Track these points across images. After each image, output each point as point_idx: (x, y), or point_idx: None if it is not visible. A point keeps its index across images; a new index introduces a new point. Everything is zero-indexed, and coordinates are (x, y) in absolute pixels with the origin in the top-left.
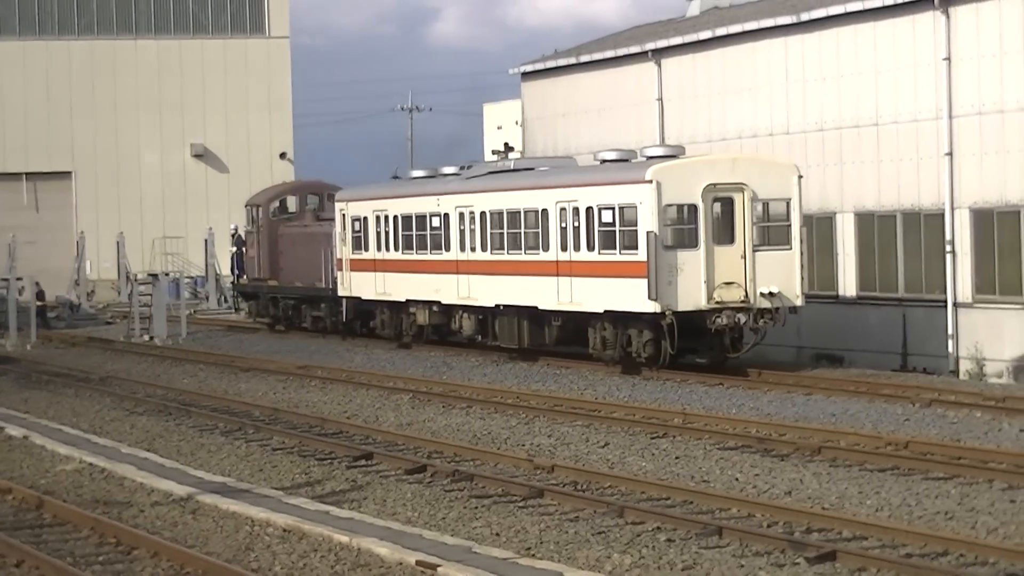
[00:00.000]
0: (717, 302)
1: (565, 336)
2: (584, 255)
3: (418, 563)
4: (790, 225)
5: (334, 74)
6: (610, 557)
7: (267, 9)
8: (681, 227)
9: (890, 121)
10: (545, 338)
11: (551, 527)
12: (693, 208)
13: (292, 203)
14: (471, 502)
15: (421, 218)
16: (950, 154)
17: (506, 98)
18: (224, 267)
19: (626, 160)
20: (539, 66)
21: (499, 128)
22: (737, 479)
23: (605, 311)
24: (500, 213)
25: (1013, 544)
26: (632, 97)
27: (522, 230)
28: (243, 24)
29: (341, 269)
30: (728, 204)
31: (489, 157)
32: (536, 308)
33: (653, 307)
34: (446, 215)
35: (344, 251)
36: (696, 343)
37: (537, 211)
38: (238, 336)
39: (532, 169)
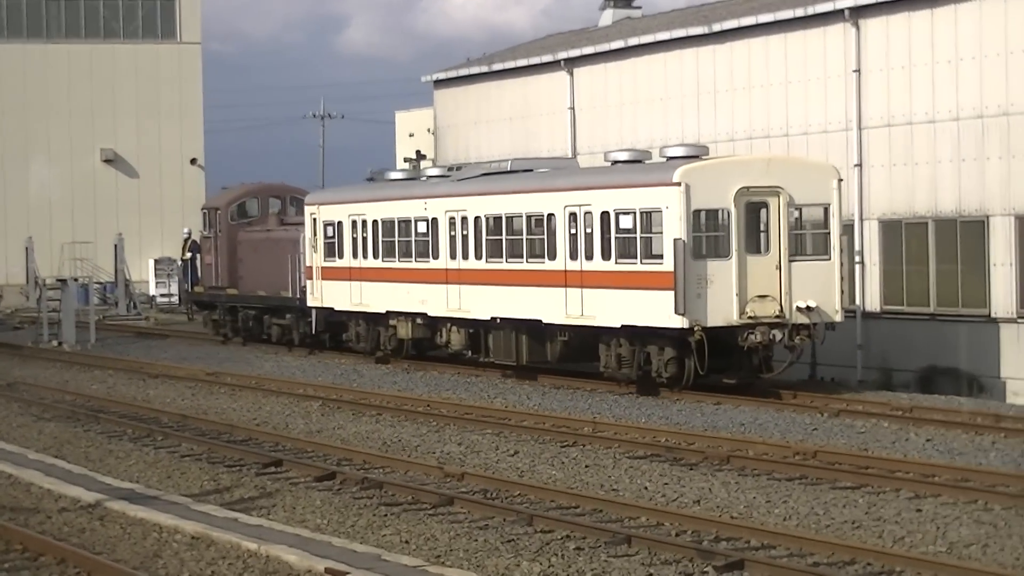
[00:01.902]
0: (750, 317)
1: (571, 353)
2: (598, 264)
3: (327, 570)
4: (829, 233)
5: (245, 81)
6: (519, 565)
7: (178, 15)
8: (711, 235)
9: (800, 132)
10: (547, 354)
11: (461, 535)
12: (725, 213)
13: (252, 206)
14: (380, 509)
15: (405, 223)
16: (859, 165)
17: (418, 106)
18: (134, 273)
19: (639, 161)
20: (451, 74)
21: (411, 136)
22: (646, 488)
23: (622, 326)
24: (498, 218)
25: (919, 553)
26: (544, 106)
27: (524, 236)
28: (154, 29)
29: (311, 278)
30: (762, 209)
31: (401, 165)
32: (539, 322)
33: (680, 322)
34: (434, 220)
35: (315, 258)
36: (724, 362)
37: (542, 216)
38: (147, 342)
39: (531, 171)
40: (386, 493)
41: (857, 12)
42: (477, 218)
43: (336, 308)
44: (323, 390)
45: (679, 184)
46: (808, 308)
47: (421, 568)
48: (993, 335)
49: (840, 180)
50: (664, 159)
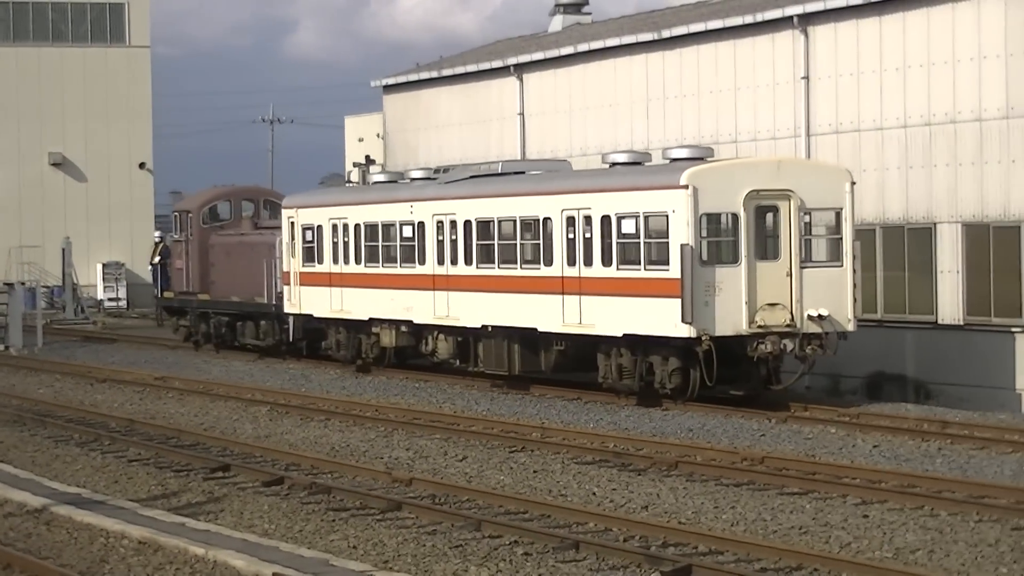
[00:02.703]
0: (759, 326)
1: (567, 363)
2: (598, 271)
3: (275, 575)
4: (841, 239)
5: (194, 85)
6: (467, 571)
7: (127, 18)
8: (719, 240)
9: (749, 139)
10: (541, 364)
11: (408, 540)
12: (734, 218)
13: (224, 209)
14: (328, 515)
15: (389, 227)
16: None
17: (368, 111)
18: (82, 277)
19: (639, 163)
20: (401, 79)
21: (360, 140)
22: (594, 493)
23: (624, 335)
24: (489, 222)
25: (865, 559)
26: (494, 111)
27: (518, 241)
28: (103, 33)
29: (288, 283)
30: (772, 214)
31: (350, 170)
32: (534, 331)
33: (687, 331)
34: (421, 224)
35: (293, 263)
36: (731, 372)
37: (538, 220)
38: (95, 346)
39: (522, 173)
40: (334, 498)
41: (806, 19)
42: (467, 222)
43: (315, 315)
44: (271, 395)
45: (687, 187)
46: (820, 317)
47: (368, 573)
48: (940, 341)
49: (853, 183)
50: (667, 161)
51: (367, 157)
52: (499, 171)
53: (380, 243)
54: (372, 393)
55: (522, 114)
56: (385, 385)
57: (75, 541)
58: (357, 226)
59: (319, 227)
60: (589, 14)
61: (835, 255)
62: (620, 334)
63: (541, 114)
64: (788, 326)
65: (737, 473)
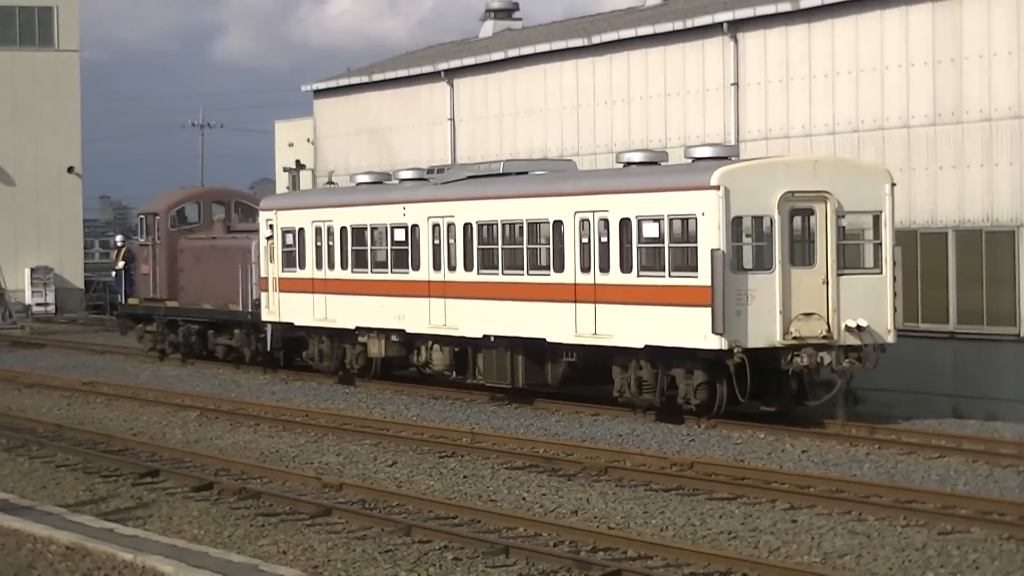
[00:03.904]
0: (794, 337)
1: (576, 375)
2: (616, 277)
3: None
4: (881, 244)
5: (122, 89)
6: (397, 575)
7: (56, 22)
8: (753, 244)
9: (679, 145)
10: (547, 377)
11: (339, 545)
12: (768, 221)
13: (193, 212)
14: (258, 520)
15: (379, 230)
16: None
17: (298, 116)
18: (10, 282)
19: (655, 163)
20: (331, 84)
21: (291, 145)
22: (524, 498)
23: (645, 346)
24: (492, 225)
25: (794, 564)
26: (425, 116)
27: (524, 246)
28: (32, 37)
29: (267, 290)
30: (807, 217)
31: (280, 175)
32: (541, 341)
33: (717, 343)
34: (414, 227)
35: (271, 268)
36: (759, 387)
37: (547, 223)
38: (22, 352)
39: (525, 173)
40: (264, 503)
41: (735, 26)
42: (467, 225)
43: (296, 323)
44: (201, 400)
45: (717, 188)
46: (859, 328)
47: None
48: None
49: (893, 184)
50: (689, 160)
51: (297, 162)
52: (500, 171)
53: (369, 247)
54: (302, 399)
55: (453, 119)
56: (377, 399)
57: (2, 547)
58: (343, 229)
59: (301, 230)
60: (520, 19)
61: (874, 261)
62: (641, 345)
63: (472, 119)
64: (824, 337)
65: (666, 478)
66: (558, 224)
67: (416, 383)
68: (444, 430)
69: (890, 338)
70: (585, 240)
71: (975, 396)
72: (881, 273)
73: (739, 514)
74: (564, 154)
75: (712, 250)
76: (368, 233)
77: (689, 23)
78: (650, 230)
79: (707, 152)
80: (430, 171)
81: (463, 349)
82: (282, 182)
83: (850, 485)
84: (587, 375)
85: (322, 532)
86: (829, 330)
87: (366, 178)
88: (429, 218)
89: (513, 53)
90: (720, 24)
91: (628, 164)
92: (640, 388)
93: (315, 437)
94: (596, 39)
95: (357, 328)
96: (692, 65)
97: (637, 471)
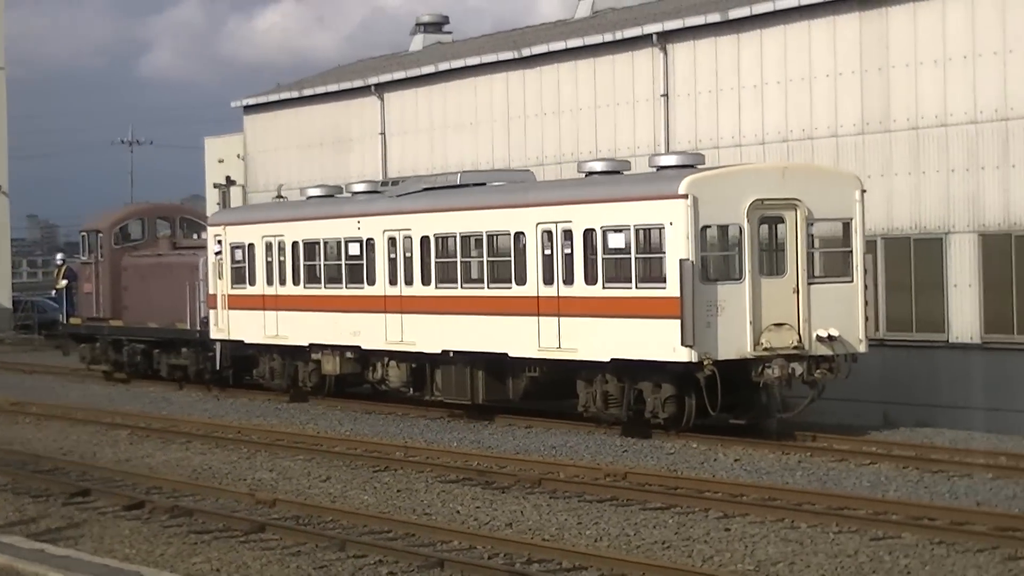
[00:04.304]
0: (765, 348)
1: (538, 390)
2: (580, 290)
3: None
4: (851, 252)
5: (49, 106)
6: None
7: None
8: (721, 254)
9: (609, 156)
10: (509, 392)
11: (272, 562)
12: (737, 230)
13: (136, 229)
14: (191, 537)
15: (333, 245)
16: None
17: (228, 132)
18: None
19: (618, 172)
20: (261, 99)
21: (221, 161)
22: (459, 512)
23: (611, 360)
24: (451, 238)
25: (728, 572)
26: (356, 131)
27: (484, 258)
28: None
29: (215, 307)
30: (776, 225)
31: (210, 192)
32: (503, 356)
33: (687, 355)
34: (370, 241)
35: (220, 285)
36: (729, 399)
37: (508, 235)
38: None
39: (483, 184)
40: (196, 521)
41: (665, 37)
42: (425, 238)
43: (247, 341)
44: (132, 418)
45: (686, 196)
46: (830, 337)
47: None
48: None
49: (863, 191)
50: (655, 169)
51: (228, 178)
52: (457, 182)
53: (322, 262)
54: (234, 415)
55: (383, 133)
56: (310, 414)
57: None
58: (295, 244)
59: (251, 246)
60: (450, 33)
61: (844, 269)
62: (607, 359)
63: (403, 133)
64: (796, 348)
65: (600, 489)
66: (519, 236)
67: (372, 400)
68: (377, 444)
69: (862, 348)
70: (548, 252)
71: (905, 403)
72: (852, 281)
73: (672, 523)
74: (495, 167)
75: (681, 260)
76: (321, 248)
77: (619, 35)
78: (616, 241)
79: (672, 160)
80: (384, 183)
81: (420, 365)
82: (212, 198)
83: (782, 493)
84: (550, 390)
85: (256, 549)
86: (800, 340)
87: (317, 192)
88: (385, 231)
89: (444, 67)
90: (650, 36)
91: (590, 174)
92: (606, 402)
93: (248, 453)
94: (526, 51)
95: (310, 345)
96: (622, 77)
97: (570, 482)
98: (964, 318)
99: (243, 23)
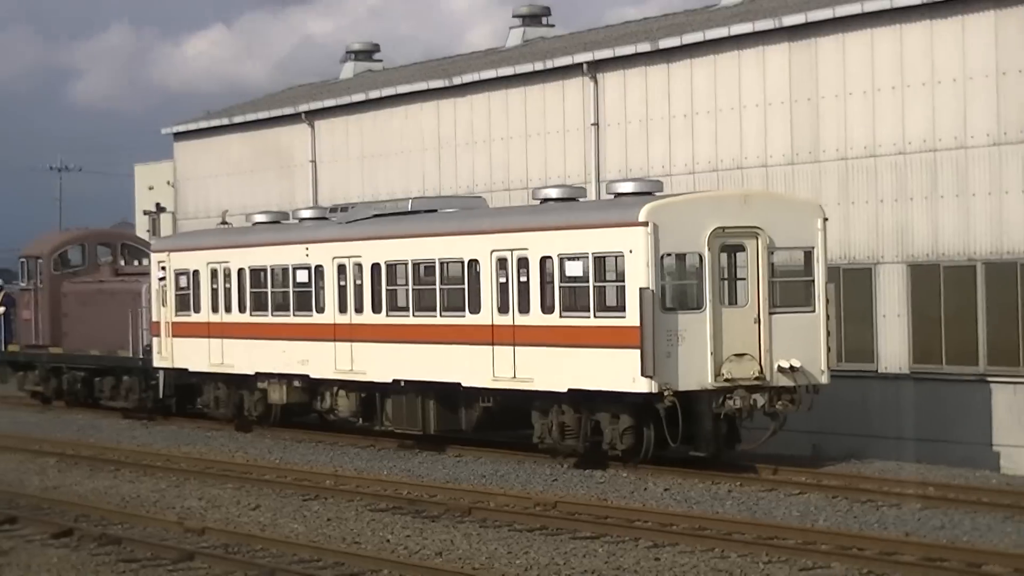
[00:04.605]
0: (726, 379)
1: (491, 420)
2: (536, 318)
3: None
4: (813, 280)
5: None
6: None
7: None
8: (681, 283)
9: (540, 185)
10: (461, 423)
11: None
12: (697, 258)
13: (76, 255)
14: (119, 566)
15: (280, 272)
16: None
17: (158, 159)
18: None
19: (573, 199)
20: (191, 126)
21: (151, 188)
22: (388, 540)
23: (568, 391)
24: (402, 265)
25: None
26: (285, 159)
27: (437, 286)
28: None
29: (159, 334)
30: (736, 253)
31: (140, 219)
32: (456, 386)
33: (647, 386)
34: (318, 268)
35: (164, 313)
36: (687, 431)
37: (462, 262)
38: None
39: (434, 211)
40: (125, 549)
41: (595, 66)
42: (375, 265)
43: (191, 369)
44: (60, 445)
45: (646, 224)
46: (792, 368)
47: None
48: None
49: (825, 219)
50: (612, 196)
51: (157, 205)
52: (408, 208)
53: (269, 289)
54: (163, 443)
55: (314, 161)
56: (239, 442)
57: None
58: (241, 271)
59: (195, 272)
60: (380, 61)
61: (805, 299)
62: (564, 389)
63: (333, 161)
64: (757, 379)
65: (530, 518)
66: (473, 263)
67: (319, 430)
68: (307, 472)
69: (824, 379)
70: (503, 280)
71: (835, 432)
72: (814, 311)
73: (602, 553)
74: (426, 195)
75: (641, 289)
76: (268, 274)
77: (549, 63)
78: (573, 269)
79: (629, 187)
80: (333, 209)
81: (370, 395)
82: (142, 225)
83: (712, 522)
84: (504, 420)
85: None
86: (762, 371)
87: (263, 217)
88: (334, 258)
89: (374, 94)
90: (580, 65)
91: (545, 200)
92: (563, 433)
93: (177, 482)
94: (457, 80)
95: (256, 373)
96: (553, 105)
97: (501, 511)
98: (893, 348)
99: (171, 50)
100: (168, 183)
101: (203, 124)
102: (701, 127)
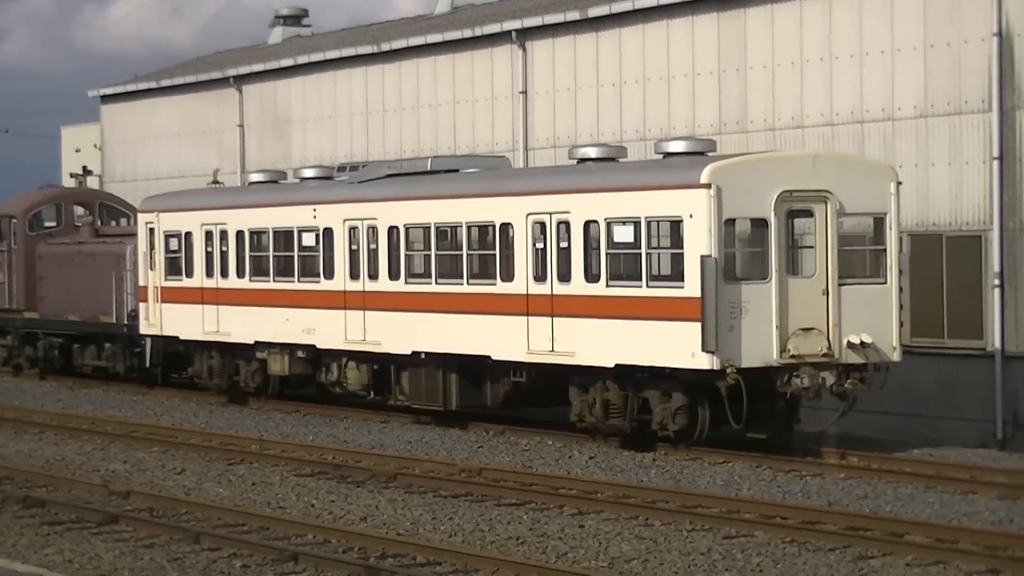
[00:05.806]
0: (792, 356)
1: (521, 397)
2: (578, 287)
3: None
4: (886, 250)
5: None
6: None
7: None
8: (746, 250)
9: (468, 152)
10: (486, 398)
11: (126, 553)
12: (762, 224)
13: (50, 215)
14: (43, 528)
15: (284, 235)
16: None
17: (85, 121)
18: None
19: (613, 159)
20: (119, 89)
21: (78, 151)
22: (313, 505)
23: (616, 366)
24: (425, 228)
25: (582, 568)
26: (213, 123)
27: (464, 252)
28: None
29: (146, 300)
30: (805, 219)
31: (67, 181)
32: (484, 359)
33: (708, 362)
34: (327, 231)
35: (152, 277)
36: (753, 411)
37: (492, 226)
38: None
39: (456, 171)
40: (49, 511)
41: (524, 34)
42: (393, 228)
43: (182, 337)
44: None
45: (708, 186)
46: (862, 344)
47: None
48: None
49: (899, 183)
50: (661, 156)
51: (84, 168)
52: (428, 168)
53: (271, 253)
54: (88, 406)
55: (241, 126)
56: (165, 406)
57: None
58: (240, 233)
59: (188, 234)
60: (309, 26)
61: (877, 270)
62: (611, 364)
63: (261, 126)
64: (825, 355)
65: (455, 485)
66: (506, 227)
67: (321, 403)
68: (233, 437)
69: (895, 356)
70: (540, 245)
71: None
72: (885, 283)
73: (527, 520)
74: (354, 160)
75: (702, 257)
76: (270, 237)
77: (478, 31)
78: (622, 234)
79: (681, 147)
80: (340, 169)
81: (384, 367)
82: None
83: (636, 491)
84: (535, 397)
85: (109, 540)
86: (830, 347)
87: (260, 176)
88: (345, 221)
89: (303, 60)
90: (509, 32)
91: (582, 160)
92: (607, 412)
93: (102, 445)
94: (386, 46)
95: (256, 343)
96: (481, 73)
97: (426, 477)
98: None
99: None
100: (95, 146)
101: (131, 87)
102: (629, 96)
